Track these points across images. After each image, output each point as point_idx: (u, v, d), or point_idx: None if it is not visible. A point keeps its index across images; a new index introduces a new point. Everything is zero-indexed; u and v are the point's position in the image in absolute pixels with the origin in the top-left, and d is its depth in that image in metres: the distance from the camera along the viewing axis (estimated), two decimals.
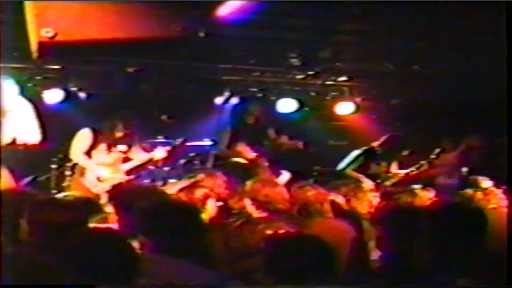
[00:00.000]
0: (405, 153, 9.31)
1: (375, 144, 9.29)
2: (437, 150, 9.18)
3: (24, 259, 3.13)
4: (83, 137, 8.06)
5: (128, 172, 8.11)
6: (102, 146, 8.07)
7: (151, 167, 8.71)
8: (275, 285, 2.98)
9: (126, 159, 8.15)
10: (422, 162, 9.16)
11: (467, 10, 6.45)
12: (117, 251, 3.34)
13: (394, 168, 9.36)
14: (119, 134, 8.10)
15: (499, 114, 4.64)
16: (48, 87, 9.06)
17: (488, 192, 6.14)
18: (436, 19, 6.96)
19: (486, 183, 6.88)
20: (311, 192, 5.44)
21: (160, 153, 8.23)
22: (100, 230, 3.82)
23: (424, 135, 10.11)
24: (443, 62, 8.80)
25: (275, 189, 5.41)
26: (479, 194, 6.00)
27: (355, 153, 9.34)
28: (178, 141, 8.46)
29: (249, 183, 5.49)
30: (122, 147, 8.17)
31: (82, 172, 7.98)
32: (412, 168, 9.19)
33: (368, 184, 8.22)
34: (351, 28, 7.78)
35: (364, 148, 9.36)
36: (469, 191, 6.17)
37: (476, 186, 6.51)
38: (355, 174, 9.04)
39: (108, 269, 3.28)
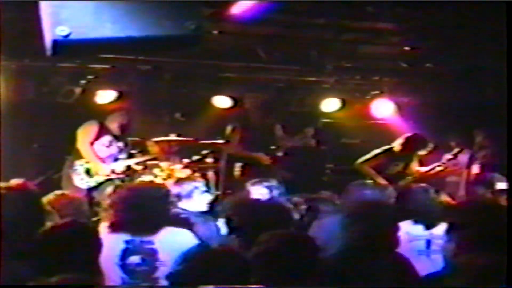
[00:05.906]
0: (423, 152, 9.16)
1: (395, 144, 9.12)
2: (456, 150, 9.08)
3: None
4: (89, 127, 8.28)
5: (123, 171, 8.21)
6: (105, 140, 8.23)
7: None
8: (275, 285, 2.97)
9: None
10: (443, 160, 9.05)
11: (466, 10, 6.42)
12: None
13: (413, 166, 9.22)
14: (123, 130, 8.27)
15: (501, 114, 4.63)
16: (62, 85, 9.08)
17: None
18: (435, 20, 6.96)
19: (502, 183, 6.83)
20: None
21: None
22: None
23: (435, 134, 10.06)
24: (442, 62, 8.82)
25: None
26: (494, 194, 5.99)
27: (376, 151, 9.26)
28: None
29: None
30: (120, 144, 8.32)
31: (72, 166, 8.18)
32: (433, 166, 9.08)
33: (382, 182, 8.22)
34: (366, 26, 7.77)
35: (385, 148, 9.25)
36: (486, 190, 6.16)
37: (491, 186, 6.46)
38: (370, 171, 8.98)
39: None
